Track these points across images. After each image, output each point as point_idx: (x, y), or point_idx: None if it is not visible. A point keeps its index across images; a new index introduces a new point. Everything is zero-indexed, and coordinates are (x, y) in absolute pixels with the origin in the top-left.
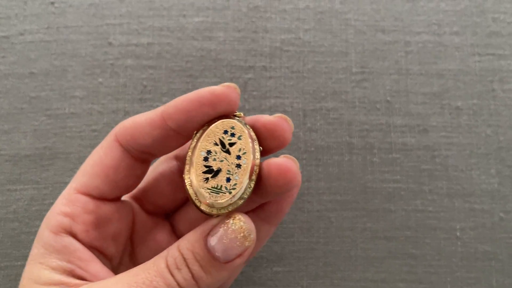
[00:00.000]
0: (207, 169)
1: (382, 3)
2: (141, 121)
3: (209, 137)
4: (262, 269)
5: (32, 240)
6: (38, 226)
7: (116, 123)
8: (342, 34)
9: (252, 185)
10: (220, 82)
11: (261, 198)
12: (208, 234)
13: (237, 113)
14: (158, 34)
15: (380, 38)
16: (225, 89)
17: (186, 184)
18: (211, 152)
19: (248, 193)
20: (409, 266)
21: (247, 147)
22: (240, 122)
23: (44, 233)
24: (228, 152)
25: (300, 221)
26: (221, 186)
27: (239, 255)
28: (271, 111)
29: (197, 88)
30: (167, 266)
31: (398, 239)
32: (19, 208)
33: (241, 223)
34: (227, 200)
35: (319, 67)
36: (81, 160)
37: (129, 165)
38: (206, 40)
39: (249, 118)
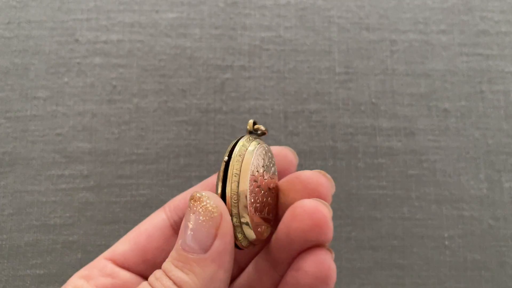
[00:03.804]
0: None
1: (366, 0)
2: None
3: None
4: None
5: None
6: None
7: (83, 126)
8: (325, 32)
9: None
10: (195, 82)
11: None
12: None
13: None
14: (129, 30)
15: (365, 36)
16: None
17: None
18: None
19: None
20: (396, 277)
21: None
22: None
23: None
24: None
25: None
26: None
27: (215, 235)
28: (250, 113)
29: (170, 89)
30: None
31: (384, 248)
32: None
33: (197, 195)
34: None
35: (301, 67)
36: (44, 166)
37: (167, 236)
38: (180, 37)
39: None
